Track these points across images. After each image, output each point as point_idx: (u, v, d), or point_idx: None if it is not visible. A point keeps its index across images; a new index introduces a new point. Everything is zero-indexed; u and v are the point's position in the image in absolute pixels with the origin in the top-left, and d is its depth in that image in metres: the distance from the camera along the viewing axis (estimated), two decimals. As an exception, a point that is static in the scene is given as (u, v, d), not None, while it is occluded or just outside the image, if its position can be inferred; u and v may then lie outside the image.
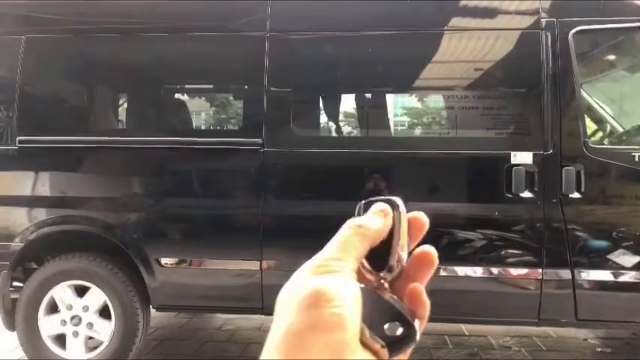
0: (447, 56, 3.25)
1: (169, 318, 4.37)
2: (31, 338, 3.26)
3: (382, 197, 0.42)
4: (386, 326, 0.37)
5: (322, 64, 3.32)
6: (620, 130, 3.48)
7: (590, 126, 3.41)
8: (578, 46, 2.95)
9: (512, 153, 2.91)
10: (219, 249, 3.26)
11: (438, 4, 3.21)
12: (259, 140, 3.09)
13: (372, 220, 0.40)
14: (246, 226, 3.24)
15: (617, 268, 2.90)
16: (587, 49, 3.24)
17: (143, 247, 3.20)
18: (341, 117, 3.61)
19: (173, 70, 3.54)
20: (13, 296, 3.31)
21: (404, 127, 3.97)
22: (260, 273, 3.09)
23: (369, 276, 0.40)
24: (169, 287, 3.22)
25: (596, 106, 3.50)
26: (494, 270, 2.99)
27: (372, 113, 3.53)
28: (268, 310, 3.09)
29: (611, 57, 3.49)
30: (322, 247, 0.39)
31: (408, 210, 0.42)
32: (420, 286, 0.39)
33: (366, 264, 0.40)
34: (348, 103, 3.60)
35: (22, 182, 3.32)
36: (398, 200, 0.41)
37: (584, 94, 3.19)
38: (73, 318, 3.26)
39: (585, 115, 3.15)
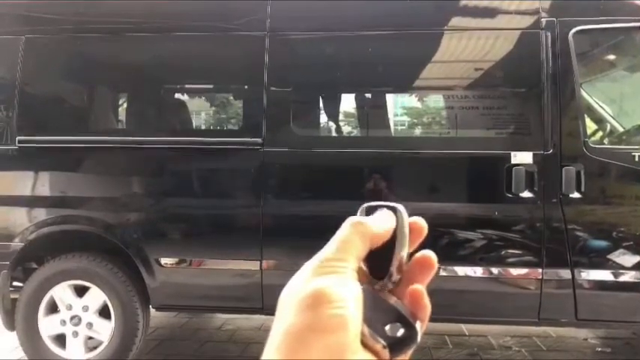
0: (447, 56, 3.24)
1: (169, 318, 4.37)
2: (31, 338, 3.26)
3: (384, 203, 0.42)
4: (387, 327, 0.37)
5: (322, 63, 3.32)
6: (620, 129, 3.48)
7: (590, 126, 3.41)
8: (578, 46, 2.95)
9: (512, 153, 2.91)
10: (219, 249, 3.26)
11: (438, 4, 3.21)
12: (259, 140, 3.09)
13: (374, 222, 0.40)
14: (246, 226, 3.24)
15: (617, 268, 2.90)
16: (587, 49, 3.25)
17: (143, 247, 3.20)
18: (341, 117, 3.61)
19: (173, 70, 3.53)
20: (13, 296, 3.31)
21: (404, 127, 3.97)
22: (260, 273, 3.09)
23: (369, 283, 0.40)
24: (169, 287, 3.22)
25: (596, 105, 3.50)
26: (494, 270, 2.99)
27: (372, 113, 3.53)
28: (268, 310, 3.09)
29: (611, 57, 3.49)
30: (322, 247, 0.39)
31: (409, 210, 0.42)
32: (421, 289, 0.39)
33: (365, 269, 0.40)
34: (348, 103, 3.60)
35: (22, 182, 3.32)
36: (400, 207, 0.41)
37: (584, 93, 3.19)
38: (72, 318, 3.26)
39: (585, 115, 3.15)
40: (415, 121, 3.90)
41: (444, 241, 2.97)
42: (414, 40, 3.19)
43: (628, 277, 2.89)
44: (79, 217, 3.28)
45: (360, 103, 3.56)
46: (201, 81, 3.92)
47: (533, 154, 2.90)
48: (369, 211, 0.42)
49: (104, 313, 3.26)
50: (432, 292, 0.40)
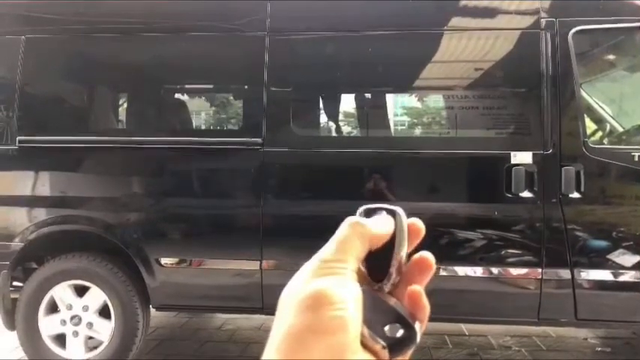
0: (447, 56, 3.25)
1: (169, 318, 4.37)
2: (31, 338, 3.26)
3: (383, 205, 0.42)
4: (386, 328, 0.37)
5: (322, 63, 3.32)
6: (620, 129, 3.48)
7: (590, 126, 3.41)
8: (577, 46, 2.95)
9: (512, 153, 2.92)
10: (219, 249, 3.26)
11: (438, 4, 3.21)
12: (259, 140, 3.09)
13: (374, 223, 0.40)
14: (246, 226, 3.24)
15: (617, 268, 2.90)
16: (587, 49, 3.25)
17: (143, 247, 3.20)
18: (341, 117, 3.61)
19: (173, 70, 3.53)
20: (13, 296, 3.31)
21: (404, 127, 3.97)
22: (260, 273, 3.09)
23: (368, 284, 0.40)
24: (169, 287, 3.22)
25: (595, 105, 3.50)
26: (494, 270, 3.00)
27: (372, 113, 3.53)
28: (268, 310, 3.09)
29: (611, 57, 3.49)
30: (322, 248, 0.39)
31: (409, 209, 0.42)
32: (420, 290, 0.39)
33: (364, 270, 0.40)
34: (348, 103, 3.60)
35: (22, 182, 3.32)
36: (399, 210, 0.41)
37: (583, 93, 3.19)
38: (72, 318, 3.26)
39: (585, 115, 3.15)
40: (415, 121, 3.90)
41: (444, 241, 2.97)
42: (414, 40, 3.19)
43: (628, 276, 2.90)
44: (79, 217, 3.28)
45: (360, 103, 3.56)
46: (201, 81, 3.92)
47: (533, 154, 2.91)
48: (368, 213, 0.42)
49: (104, 313, 3.26)
50: (431, 291, 0.40)
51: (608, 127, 3.49)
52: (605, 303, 2.96)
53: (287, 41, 3.23)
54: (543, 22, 2.97)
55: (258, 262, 3.09)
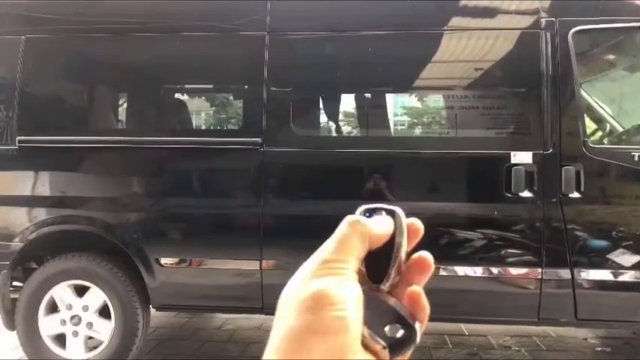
0: (447, 56, 3.25)
1: (169, 318, 4.37)
2: (31, 338, 3.26)
3: (382, 205, 0.42)
4: (387, 328, 0.37)
5: (322, 63, 3.32)
6: (620, 129, 3.48)
7: (590, 125, 3.41)
8: (577, 46, 2.95)
9: (512, 152, 2.92)
10: (219, 249, 3.26)
11: (438, 4, 3.21)
12: (259, 140, 3.09)
13: (374, 223, 0.40)
14: (245, 226, 3.24)
15: (617, 268, 2.90)
16: (587, 49, 3.25)
17: (143, 247, 3.20)
18: (341, 117, 3.61)
19: (173, 70, 3.53)
20: (13, 296, 3.31)
21: (404, 127, 3.97)
22: (260, 273, 3.09)
23: (367, 284, 0.40)
24: (169, 287, 3.22)
25: (595, 105, 3.50)
26: (494, 269, 3.00)
27: (371, 113, 3.53)
28: (268, 310, 3.09)
29: (611, 57, 3.49)
30: (321, 246, 0.39)
31: (409, 209, 0.42)
32: (420, 290, 0.39)
33: (363, 270, 0.40)
34: (348, 102, 3.60)
35: (22, 182, 3.32)
36: (399, 210, 0.41)
37: (583, 93, 3.19)
38: (72, 318, 3.26)
39: (585, 115, 3.15)
40: (415, 121, 3.90)
41: (444, 241, 2.97)
42: (414, 40, 3.19)
43: (628, 276, 2.90)
44: (79, 217, 3.28)
45: (360, 103, 3.56)
46: (201, 81, 3.92)
47: (533, 154, 2.91)
48: (367, 213, 0.42)
49: (104, 312, 3.26)
50: (431, 291, 0.40)
51: (608, 127, 3.49)
52: (605, 303, 2.96)
53: (287, 41, 3.23)
54: (543, 21, 2.97)
55: (258, 262, 3.09)
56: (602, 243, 2.94)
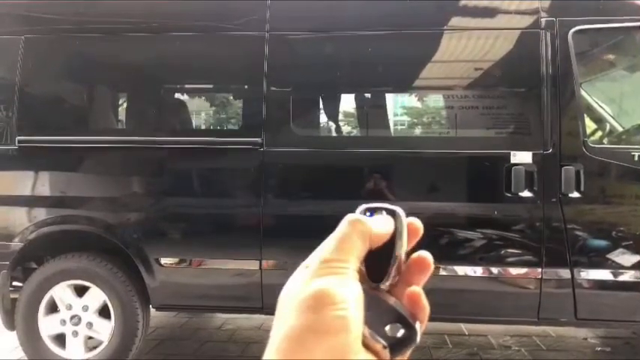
0: (447, 56, 3.25)
1: (169, 318, 4.37)
2: (30, 338, 3.26)
3: (383, 205, 0.42)
4: (387, 328, 0.37)
5: (322, 63, 3.32)
6: (620, 129, 3.48)
7: (590, 125, 3.41)
8: (577, 46, 2.95)
9: (512, 152, 2.92)
10: (219, 249, 3.26)
11: (437, 3, 3.21)
12: (259, 140, 3.09)
13: (374, 222, 0.40)
14: (245, 226, 3.24)
15: (617, 268, 2.90)
16: (587, 49, 3.25)
17: (143, 247, 3.20)
18: (341, 117, 3.61)
19: (173, 70, 3.53)
20: (12, 296, 3.31)
21: (404, 127, 3.97)
22: (260, 272, 3.09)
23: (367, 283, 0.40)
24: (169, 287, 3.22)
25: (595, 105, 3.50)
26: (494, 269, 3.00)
27: (371, 113, 3.53)
28: (268, 310, 3.09)
29: (611, 56, 3.49)
30: (321, 245, 0.39)
31: (409, 209, 0.42)
32: (420, 290, 0.39)
33: (363, 269, 0.40)
34: (347, 102, 3.60)
35: (22, 182, 3.32)
36: (399, 210, 0.41)
37: (583, 93, 3.19)
38: (72, 318, 3.26)
39: (585, 115, 3.15)
40: (415, 121, 3.90)
41: (444, 241, 2.97)
42: (414, 40, 3.19)
43: (627, 276, 2.90)
44: (79, 217, 3.28)
45: (360, 103, 3.56)
46: (201, 81, 3.92)
47: (533, 154, 2.91)
48: (368, 213, 0.42)
49: (104, 312, 3.26)
50: (431, 291, 0.40)
51: (608, 127, 3.49)
52: (605, 303, 2.96)
53: (287, 41, 3.23)
54: (543, 21, 2.97)
55: (258, 262, 3.09)
56: (602, 243, 2.94)
